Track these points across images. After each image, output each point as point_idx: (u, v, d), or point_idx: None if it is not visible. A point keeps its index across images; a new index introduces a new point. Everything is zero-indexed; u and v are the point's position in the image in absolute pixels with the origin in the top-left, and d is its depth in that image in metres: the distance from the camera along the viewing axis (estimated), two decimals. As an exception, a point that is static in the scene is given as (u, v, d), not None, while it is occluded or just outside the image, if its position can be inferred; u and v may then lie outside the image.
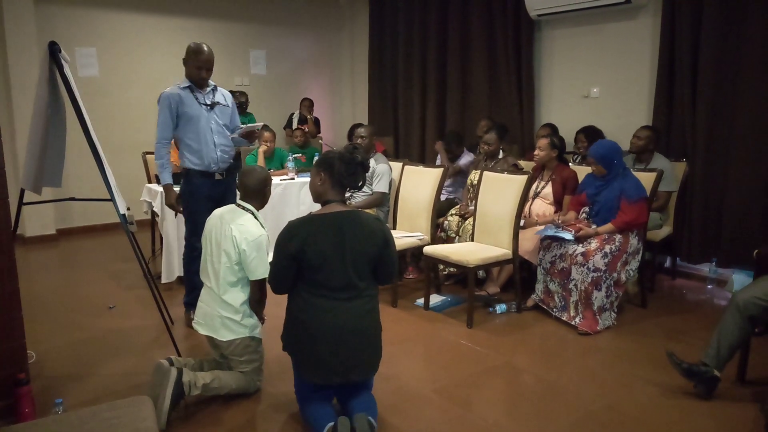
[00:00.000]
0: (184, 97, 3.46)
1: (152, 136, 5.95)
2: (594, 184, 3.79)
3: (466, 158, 5.25)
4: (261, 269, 2.66)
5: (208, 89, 3.57)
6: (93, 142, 3.01)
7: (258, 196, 2.83)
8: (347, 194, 2.57)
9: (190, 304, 3.61)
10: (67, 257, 5.77)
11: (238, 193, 3.13)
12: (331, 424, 2.28)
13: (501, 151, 4.66)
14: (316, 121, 7.42)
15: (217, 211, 2.87)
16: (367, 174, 2.58)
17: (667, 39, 4.64)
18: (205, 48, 3.47)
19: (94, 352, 3.34)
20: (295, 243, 2.33)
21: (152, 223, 5.22)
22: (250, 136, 3.72)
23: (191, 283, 3.65)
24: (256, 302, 2.77)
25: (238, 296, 2.72)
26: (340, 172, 2.41)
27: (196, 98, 3.50)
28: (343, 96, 8.50)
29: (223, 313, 2.70)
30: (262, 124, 4.61)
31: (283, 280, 2.42)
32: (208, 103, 3.53)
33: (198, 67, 3.44)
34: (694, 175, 4.48)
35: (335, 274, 2.34)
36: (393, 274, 2.56)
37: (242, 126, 3.69)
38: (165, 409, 2.43)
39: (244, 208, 2.79)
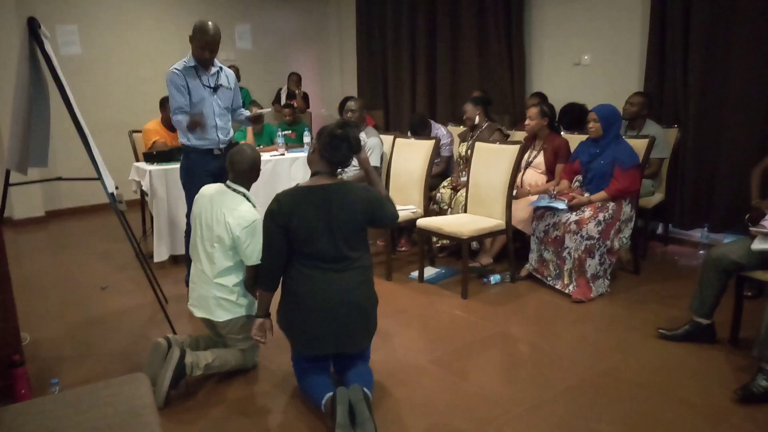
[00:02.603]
0: (188, 78, 3.43)
1: (137, 115, 5.95)
2: (587, 151, 3.77)
3: (439, 133, 5.11)
4: (257, 254, 2.58)
5: (213, 70, 3.53)
6: (78, 120, 2.95)
7: (250, 176, 2.73)
8: (338, 170, 2.53)
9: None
10: (57, 239, 5.71)
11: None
12: (330, 394, 2.28)
13: (478, 118, 4.58)
14: (305, 96, 7.32)
15: (206, 191, 2.75)
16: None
17: (659, 4, 4.58)
18: (211, 27, 3.38)
19: (89, 333, 3.32)
20: (281, 215, 2.33)
21: (142, 203, 5.16)
22: (257, 120, 3.85)
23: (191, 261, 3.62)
24: (251, 285, 2.70)
25: (232, 278, 2.66)
26: (323, 143, 2.38)
27: (200, 79, 3.47)
28: (332, 69, 8.38)
29: (217, 294, 2.64)
30: (270, 110, 4.79)
31: (275, 254, 2.39)
32: (212, 85, 3.51)
33: (201, 47, 3.39)
34: (686, 141, 4.47)
35: (324, 245, 2.33)
36: (394, 219, 2.51)
37: (250, 110, 3.83)
38: (164, 390, 2.43)
39: (235, 190, 2.69)
